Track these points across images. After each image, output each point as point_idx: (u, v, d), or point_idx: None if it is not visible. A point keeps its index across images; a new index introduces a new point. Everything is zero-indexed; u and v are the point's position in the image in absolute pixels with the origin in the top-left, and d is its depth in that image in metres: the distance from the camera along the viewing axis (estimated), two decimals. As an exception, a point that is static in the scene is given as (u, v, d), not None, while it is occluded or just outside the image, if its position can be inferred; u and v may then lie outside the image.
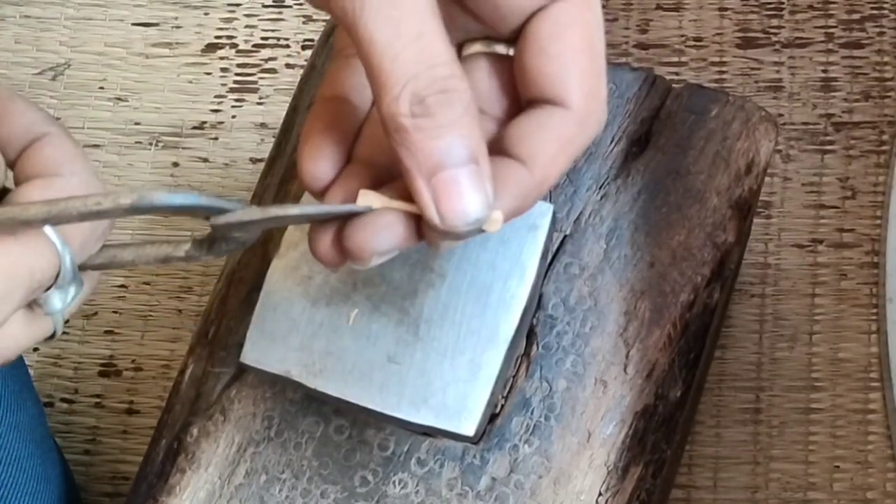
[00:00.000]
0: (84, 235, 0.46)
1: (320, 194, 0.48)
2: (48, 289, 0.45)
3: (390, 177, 0.48)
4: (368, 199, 0.46)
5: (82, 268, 0.46)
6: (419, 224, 0.46)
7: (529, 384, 0.64)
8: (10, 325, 0.45)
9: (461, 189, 0.44)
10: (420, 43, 0.43)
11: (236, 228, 0.45)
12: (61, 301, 0.46)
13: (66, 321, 0.48)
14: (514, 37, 0.49)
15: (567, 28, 0.48)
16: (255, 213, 0.45)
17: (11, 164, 0.47)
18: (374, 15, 0.43)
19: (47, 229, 0.44)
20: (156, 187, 0.43)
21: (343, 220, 0.46)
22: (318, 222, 0.47)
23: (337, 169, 0.48)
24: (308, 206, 0.46)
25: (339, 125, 0.48)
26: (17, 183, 0.46)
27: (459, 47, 0.50)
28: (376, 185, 0.48)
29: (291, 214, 0.46)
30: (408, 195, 0.45)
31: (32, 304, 0.46)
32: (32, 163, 0.47)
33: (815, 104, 1.02)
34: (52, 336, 0.48)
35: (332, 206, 0.47)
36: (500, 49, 0.50)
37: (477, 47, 0.50)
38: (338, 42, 0.51)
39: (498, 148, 0.48)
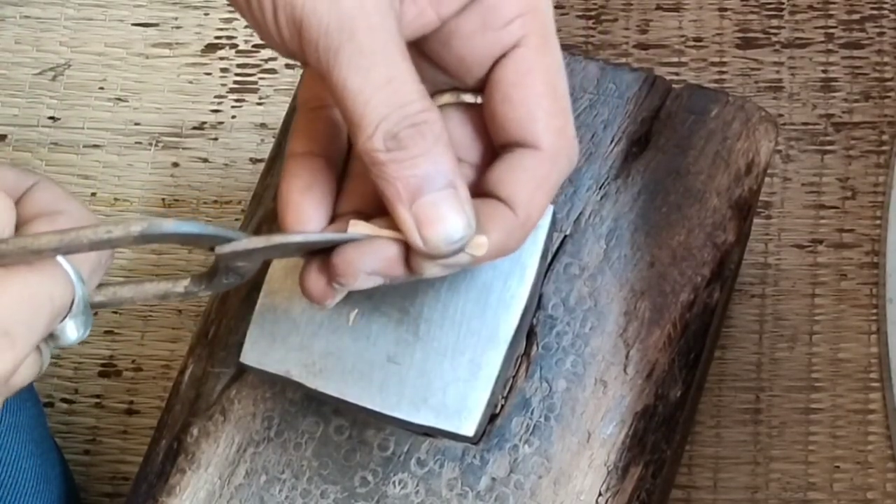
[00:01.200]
0: (91, 265, 0.46)
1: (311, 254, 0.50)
2: (63, 319, 0.45)
3: None
4: (359, 228, 0.48)
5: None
6: (406, 252, 0.48)
7: (529, 384, 0.64)
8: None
9: (441, 212, 0.47)
10: (390, 87, 0.46)
11: (240, 257, 0.46)
12: (76, 331, 0.46)
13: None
14: (481, 85, 0.52)
15: (527, 74, 0.50)
16: (260, 241, 0.46)
17: None
18: (346, 63, 0.45)
19: (60, 258, 0.44)
20: (165, 218, 0.43)
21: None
22: (313, 253, 0.49)
23: (323, 228, 0.50)
24: (311, 235, 0.48)
25: (319, 184, 0.50)
26: (19, 226, 0.46)
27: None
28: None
29: (294, 242, 0.48)
30: (395, 226, 0.48)
31: (49, 336, 0.46)
32: (31, 206, 0.47)
33: (815, 104, 1.02)
34: (39, 372, 0.48)
35: (334, 234, 0.48)
36: (468, 98, 0.52)
37: (446, 98, 0.53)
38: (302, 95, 0.53)
39: (480, 192, 0.50)
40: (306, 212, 0.49)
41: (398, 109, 0.46)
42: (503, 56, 0.51)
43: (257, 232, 0.69)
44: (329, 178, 0.50)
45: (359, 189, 0.51)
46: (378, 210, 0.50)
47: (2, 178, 0.48)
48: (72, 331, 0.46)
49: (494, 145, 0.52)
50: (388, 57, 0.46)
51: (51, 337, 0.46)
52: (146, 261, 1.02)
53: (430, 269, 0.49)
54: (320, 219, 0.50)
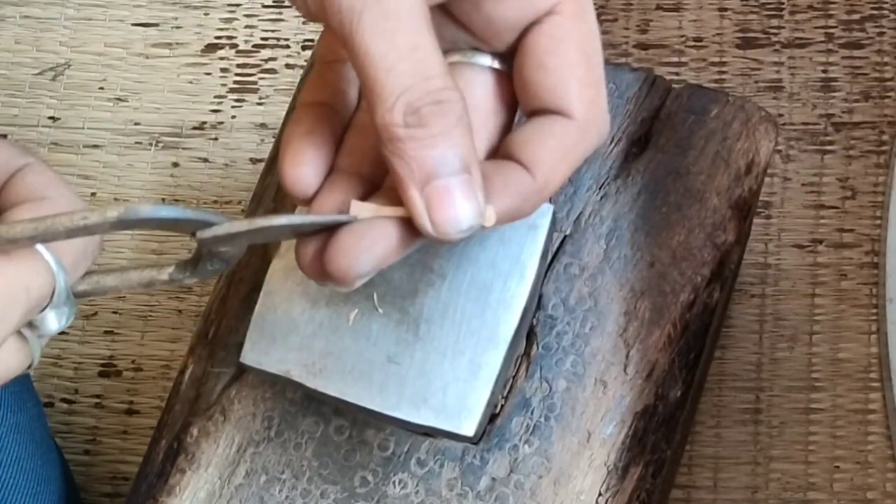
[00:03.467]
0: (76, 254, 0.45)
1: (305, 203, 0.48)
2: (43, 309, 0.45)
3: (374, 187, 0.49)
4: (363, 210, 0.46)
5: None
6: (407, 232, 0.46)
7: (529, 384, 0.64)
8: (3, 350, 0.44)
9: (453, 198, 0.45)
10: (415, 55, 0.44)
11: (223, 242, 0.45)
12: (57, 321, 0.45)
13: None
14: (507, 51, 0.50)
15: (562, 42, 0.49)
16: (242, 224, 0.45)
17: None
18: (370, 27, 0.43)
19: (40, 247, 0.44)
20: (142, 201, 0.42)
21: (330, 233, 0.46)
22: (305, 234, 0.47)
23: (321, 176, 0.48)
24: (295, 217, 0.46)
25: (321, 131, 0.48)
26: (2, 211, 0.46)
27: None
28: (362, 196, 0.48)
29: (278, 225, 0.46)
30: (395, 204, 0.46)
31: (28, 326, 0.45)
32: (17, 190, 0.46)
33: (815, 104, 1.02)
34: (30, 365, 0.47)
35: (319, 216, 0.47)
36: (483, 61, 0.51)
37: (455, 58, 0.51)
38: (319, 50, 0.51)
39: (501, 153, 0.49)
40: (304, 154, 0.48)
41: (423, 82, 0.44)
42: (536, 22, 0.49)
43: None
44: (333, 128, 0.49)
45: (359, 144, 0.49)
46: (375, 170, 0.48)
47: None
48: (52, 321, 0.45)
49: (523, 111, 0.50)
50: (414, 23, 0.44)
51: (32, 326, 0.45)
52: (146, 248, 1.02)
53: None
54: (318, 165, 0.48)
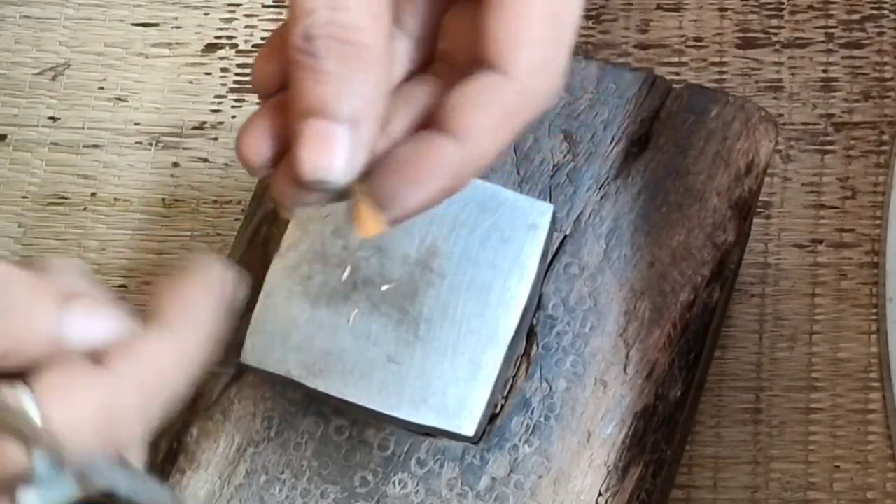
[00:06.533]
0: (95, 421, 0.38)
1: (260, 171, 0.45)
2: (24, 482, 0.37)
3: None
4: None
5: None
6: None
7: (529, 384, 0.64)
8: None
9: (325, 145, 0.41)
10: None
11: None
12: (35, 502, 0.37)
13: None
14: None
15: None
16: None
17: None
18: None
19: (28, 413, 0.36)
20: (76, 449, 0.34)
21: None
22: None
23: (274, 147, 0.44)
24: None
25: (281, 106, 0.44)
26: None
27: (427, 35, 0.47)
28: None
29: None
30: None
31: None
32: None
33: (815, 104, 1.02)
34: None
35: None
36: None
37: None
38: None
39: (434, 119, 0.45)
40: (260, 126, 0.44)
41: (328, 10, 0.40)
42: None
43: (257, 232, 0.69)
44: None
45: None
46: None
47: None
48: (29, 501, 0.37)
49: (463, 62, 0.45)
50: None
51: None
52: (146, 261, 1.02)
53: (291, 199, 0.43)
54: (275, 132, 0.44)
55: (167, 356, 0.41)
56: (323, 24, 0.40)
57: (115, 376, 0.39)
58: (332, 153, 0.41)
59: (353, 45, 0.40)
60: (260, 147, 0.44)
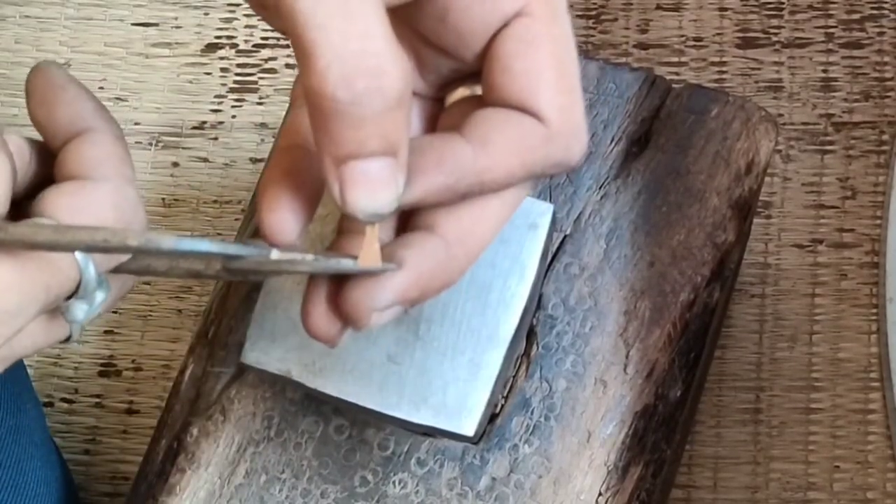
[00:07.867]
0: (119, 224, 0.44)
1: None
2: (71, 296, 0.43)
3: None
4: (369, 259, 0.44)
5: (116, 270, 0.44)
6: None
7: (529, 384, 0.64)
8: (29, 325, 0.43)
9: (369, 182, 0.41)
10: (347, 7, 0.39)
11: (251, 273, 0.44)
12: (83, 311, 0.44)
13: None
14: (479, 60, 0.46)
15: (531, 45, 0.45)
16: (268, 264, 0.43)
17: (56, 152, 0.46)
18: None
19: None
20: (165, 233, 0.40)
21: (338, 282, 0.45)
22: (318, 281, 0.46)
23: (301, 222, 0.45)
24: (322, 260, 0.44)
25: (299, 174, 0.45)
26: (56, 178, 0.45)
27: (441, 96, 0.48)
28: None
29: (306, 262, 0.44)
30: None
31: (55, 310, 0.44)
32: (69, 160, 0.45)
33: (815, 104, 1.02)
34: (69, 338, 0.46)
35: (348, 261, 0.45)
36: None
37: (461, 92, 0.48)
38: (293, 93, 0.49)
39: (452, 124, 0.45)
40: (282, 198, 0.44)
41: (358, 42, 0.39)
42: (505, 26, 0.45)
43: (257, 232, 0.68)
44: (312, 172, 0.45)
45: None
46: None
47: (61, 112, 0.45)
48: (78, 311, 0.43)
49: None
50: None
51: (59, 311, 0.44)
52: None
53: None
54: (297, 209, 0.44)
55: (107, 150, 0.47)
56: (357, 62, 0.39)
57: (109, 181, 0.45)
58: (380, 189, 0.41)
59: (386, 76, 0.40)
60: (288, 223, 0.45)
